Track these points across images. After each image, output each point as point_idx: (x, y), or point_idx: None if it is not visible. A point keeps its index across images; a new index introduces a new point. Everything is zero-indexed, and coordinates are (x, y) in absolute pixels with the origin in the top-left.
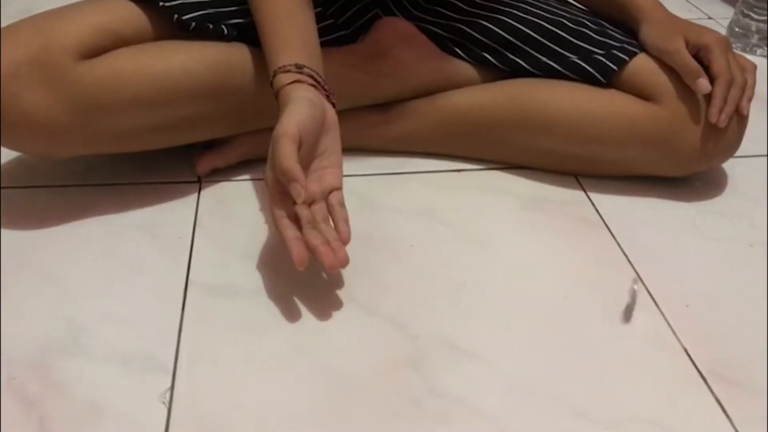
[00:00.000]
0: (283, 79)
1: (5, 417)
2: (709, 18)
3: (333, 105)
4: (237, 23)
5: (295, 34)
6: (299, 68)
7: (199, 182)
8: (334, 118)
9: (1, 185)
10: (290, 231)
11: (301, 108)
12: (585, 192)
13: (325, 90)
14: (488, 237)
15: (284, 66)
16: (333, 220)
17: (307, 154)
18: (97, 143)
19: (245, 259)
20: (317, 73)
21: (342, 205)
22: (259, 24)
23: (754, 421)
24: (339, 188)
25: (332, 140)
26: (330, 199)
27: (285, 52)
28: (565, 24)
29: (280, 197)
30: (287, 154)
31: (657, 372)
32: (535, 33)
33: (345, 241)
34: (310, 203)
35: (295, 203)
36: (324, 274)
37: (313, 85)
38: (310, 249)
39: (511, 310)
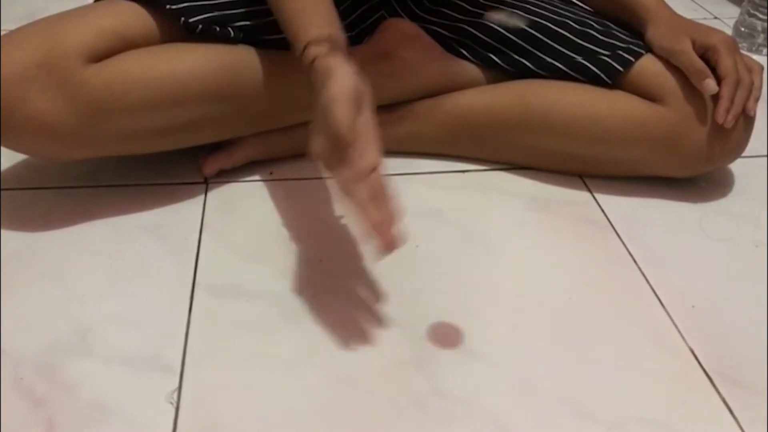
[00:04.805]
0: (318, 50)
1: (14, 417)
2: (715, 18)
3: None
4: (243, 26)
5: (322, 7)
6: (332, 40)
7: (206, 183)
8: (368, 92)
9: (9, 187)
10: (375, 212)
11: (350, 73)
12: (590, 192)
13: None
14: (493, 238)
15: (317, 38)
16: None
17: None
18: (104, 145)
19: (252, 260)
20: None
21: (385, 183)
22: (282, 2)
23: (760, 421)
24: (380, 165)
25: (368, 115)
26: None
27: (315, 24)
28: (570, 25)
29: (337, 164)
30: (347, 113)
31: (662, 372)
32: (540, 34)
33: (396, 221)
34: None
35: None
36: (327, 276)
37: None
38: (374, 227)
39: (515, 310)
